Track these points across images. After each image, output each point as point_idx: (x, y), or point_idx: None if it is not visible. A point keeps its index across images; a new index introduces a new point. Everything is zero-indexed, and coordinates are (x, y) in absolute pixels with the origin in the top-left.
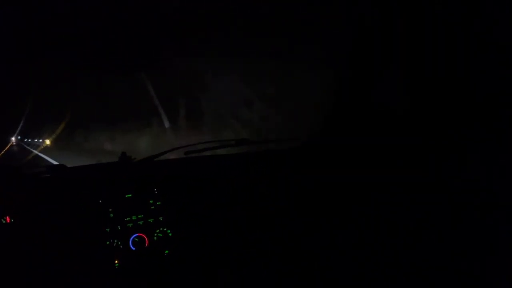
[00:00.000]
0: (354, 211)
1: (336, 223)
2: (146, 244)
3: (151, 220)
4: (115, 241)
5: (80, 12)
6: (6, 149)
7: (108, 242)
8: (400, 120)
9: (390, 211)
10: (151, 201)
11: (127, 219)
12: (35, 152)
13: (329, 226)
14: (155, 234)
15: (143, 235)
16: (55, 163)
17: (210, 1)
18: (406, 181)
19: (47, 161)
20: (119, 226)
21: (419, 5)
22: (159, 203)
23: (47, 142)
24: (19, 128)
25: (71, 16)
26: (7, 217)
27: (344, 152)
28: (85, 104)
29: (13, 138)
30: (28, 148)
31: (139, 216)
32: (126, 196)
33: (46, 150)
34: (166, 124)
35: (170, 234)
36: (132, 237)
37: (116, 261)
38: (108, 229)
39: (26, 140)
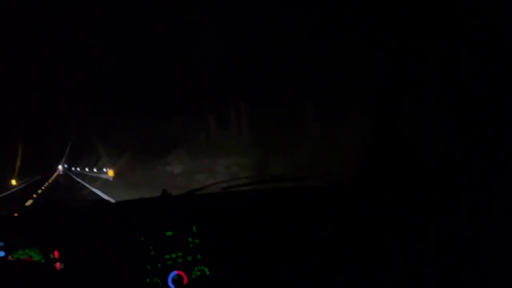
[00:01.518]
0: (383, 247)
1: (371, 259)
2: (185, 282)
3: (189, 258)
4: (155, 278)
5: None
6: (53, 177)
7: (148, 280)
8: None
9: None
10: (190, 239)
11: (167, 256)
12: (82, 182)
13: (366, 261)
14: (194, 272)
15: (182, 273)
16: (102, 195)
17: (253, 54)
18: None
19: (94, 193)
20: (159, 264)
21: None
22: (198, 241)
23: (94, 170)
24: (64, 157)
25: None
26: (56, 251)
27: (379, 190)
28: (130, 139)
29: (60, 167)
30: (75, 178)
31: (178, 254)
32: (167, 233)
33: (92, 180)
34: (203, 158)
35: (208, 273)
36: (171, 274)
37: None
38: (148, 266)
39: (72, 169)
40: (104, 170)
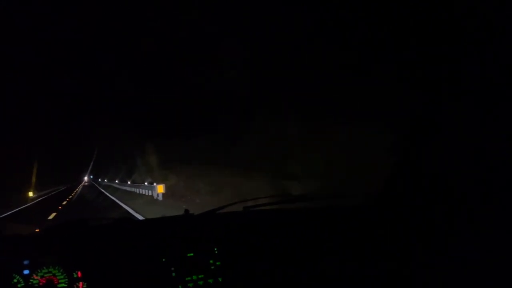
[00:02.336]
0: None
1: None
2: None
3: (211, 281)
4: None
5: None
6: (81, 185)
7: None
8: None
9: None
10: (211, 261)
11: (188, 278)
12: (106, 193)
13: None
14: None
15: None
16: (126, 207)
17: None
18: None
19: (118, 205)
20: (180, 286)
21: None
22: (219, 263)
23: (130, 183)
24: (90, 167)
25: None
26: (79, 272)
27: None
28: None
29: (86, 178)
30: (99, 188)
31: (199, 276)
32: (188, 255)
33: (129, 196)
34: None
35: None
36: None
37: None
38: None
39: (99, 180)
40: (146, 183)
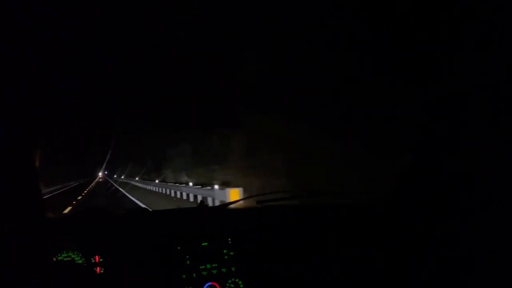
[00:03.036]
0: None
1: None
2: None
3: (224, 270)
4: None
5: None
6: (95, 181)
7: None
8: None
9: None
10: (224, 251)
11: (202, 267)
12: (121, 190)
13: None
14: (227, 284)
15: (216, 284)
16: (140, 204)
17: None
18: None
19: (131, 201)
20: (194, 274)
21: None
22: (232, 253)
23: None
24: (105, 162)
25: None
26: (96, 256)
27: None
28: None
29: (100, 174)
30: (113, 184)
31: (213, 265)
32: (202, 244)
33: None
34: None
35: (242, 286)
36: (206, 285)
37: None
38: (184, 276)
39: (115, 176)
40: (192, 184)
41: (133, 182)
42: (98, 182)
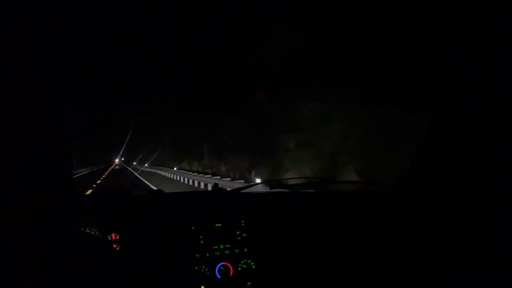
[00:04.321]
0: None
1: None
2: (231, 274)
3: (237, 251)
4: (203, 267)
5: None
6: (111, 168)
7: (196, 268)
8: None
9: None
10: (238, 232)
11: (215, 247)
12: (136, 174)
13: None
14: (240, 265)
15: (228, 265)
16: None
17: None
18: None
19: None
20: (207, 253)
21: None
22: (245, 234)
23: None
24: (122, 149)
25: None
26: (113, 234)
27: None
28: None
29: (117, 160)
30: (128, 168)
31: (226, 246)
32: (216, 225)
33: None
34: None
35: (254, 266)
36: (219, 265)
37: (202, 287)
38: (197, 255)
39: (135, 164)
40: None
41: (161, 172)
42: (114, 169)
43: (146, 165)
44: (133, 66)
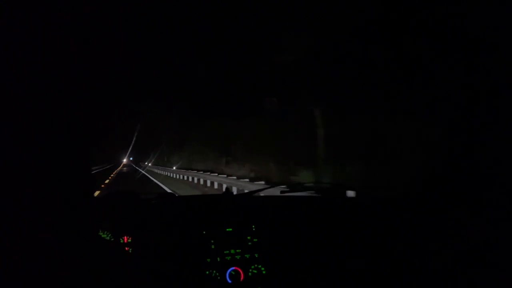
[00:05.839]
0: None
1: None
2: (241, 278)
3: (247, 256)
4: (214, 272)
5: None
6: (120, 167)
7: (207, 272)
8: None
9: None
10: (248, 237)
11: (226, 252)
12: (145, 173)
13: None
14: (250, 270)
15: (239, 269)
16: (167, 190)
17: None
18: None
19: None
20: (218, 258)
21: None
22: (256, 240)
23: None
24: (130, 148)
25: None
26: (125, 237)
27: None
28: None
29: (125, 160)
30: (138, 168)
31: (237, 251)
32: (227, 230)
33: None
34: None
35: (264, 272)
36: (229, 270)
37: None
38: (208, 260)
39: (146, 163)
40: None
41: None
42: (121, 170)
43: (174, 168)
44: (146, 69)
